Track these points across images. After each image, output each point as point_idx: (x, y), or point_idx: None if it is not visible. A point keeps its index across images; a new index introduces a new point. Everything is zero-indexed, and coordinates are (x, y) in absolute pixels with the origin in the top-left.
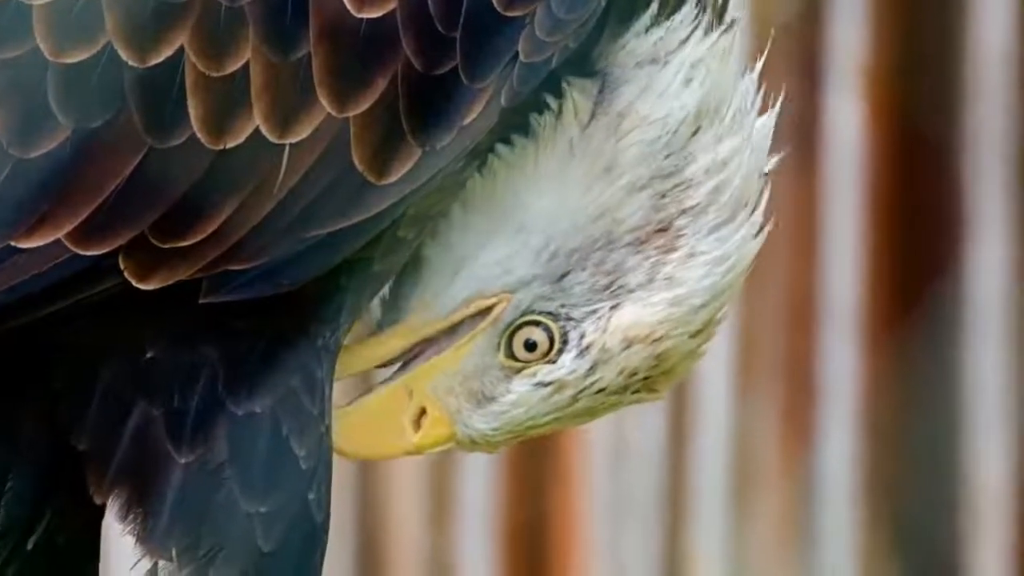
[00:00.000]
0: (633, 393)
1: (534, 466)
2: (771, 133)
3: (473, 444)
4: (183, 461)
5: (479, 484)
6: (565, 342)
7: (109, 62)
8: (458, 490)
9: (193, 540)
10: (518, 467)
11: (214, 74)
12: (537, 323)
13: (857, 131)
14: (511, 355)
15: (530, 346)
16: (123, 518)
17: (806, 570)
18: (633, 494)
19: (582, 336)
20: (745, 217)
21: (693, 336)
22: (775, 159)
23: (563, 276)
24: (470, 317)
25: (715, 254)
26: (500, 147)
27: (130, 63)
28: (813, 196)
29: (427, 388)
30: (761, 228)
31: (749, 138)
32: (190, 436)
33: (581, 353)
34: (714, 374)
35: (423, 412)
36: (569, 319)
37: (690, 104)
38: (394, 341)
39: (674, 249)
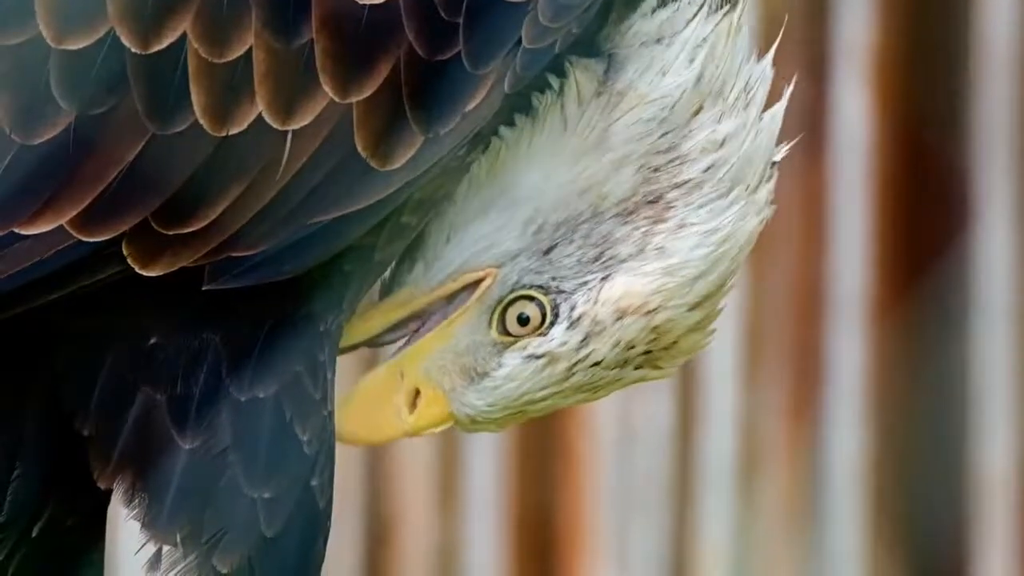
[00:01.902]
0: (636, 369)
1: (541, 452)
2: (779, 121)
3: (473, 423)
4: (187, 446)
5: (486, 470)
6: (556, 315)
7: (111, 49)
8: (465, 476)
9: (197, 525)
10: (525, 453)
11: (216, 61)
12: (530, 298)
13: (864, 119)
14: (504, 331)
15: (523, 320)
16: (127, 503)
17: (812, 556)
18: (640, 480)
19: (572, 308)
20: (741, 194)
21: (692, 309)
22: (784, 149)
23: (550, 249)
24: (459, 291)
25: (707, 225)
26: (503, 128)
27: (132, 50)
28: (820, 183)
29: (420, 368)
30: (763, 210)
31: (754, 122)
32: (194, 421)
33: (572, 325)
34: (721, 360)
35: (418, 393)
36: (560, 292)
37: (690, 82)
38: (386, 313)
39: (663, 220)
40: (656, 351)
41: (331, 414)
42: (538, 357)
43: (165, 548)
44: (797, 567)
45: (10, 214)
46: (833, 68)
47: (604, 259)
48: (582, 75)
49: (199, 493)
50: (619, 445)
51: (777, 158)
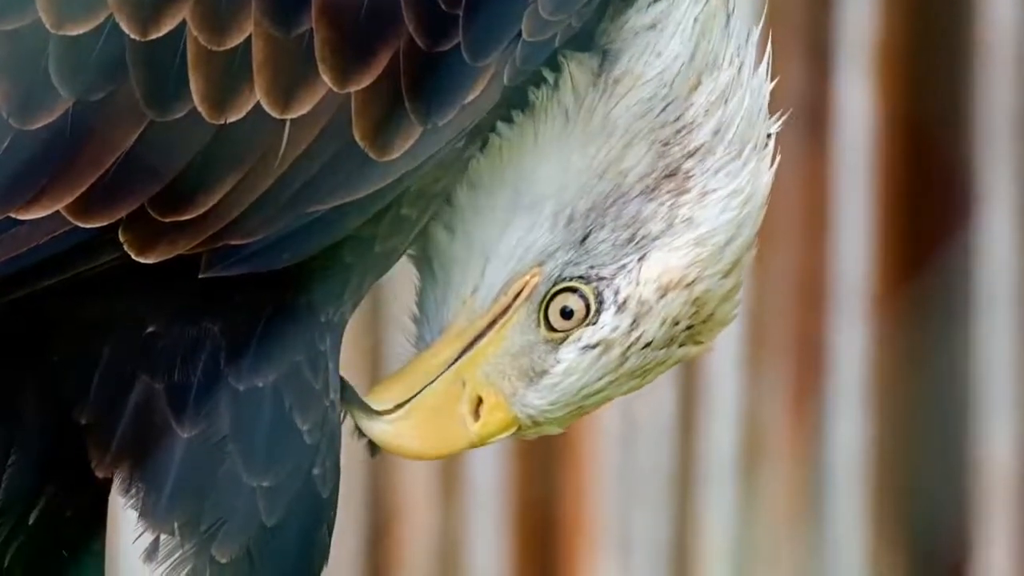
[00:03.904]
0: (680, 346)
1: (543, 445)
2: (766, 77)
3: (536, 426)
4: (185, 435)
5: (488, 460)
6: (601, 302)
7: (110, 35)
8: (467, 466)
9: (195, 514)
10: (527, 445)
11: (215, 48)
12: (571, 289)
13: (866, 110)
14: (551, 327)
15: (567, 314)
16: (126, 492)
17: (814, 548)
18: (642, 473)
19: (616, 292)
20: (752, 153)
21: (725, 276)
22: (779, 120)
23: (585, 238)
24: (512, 301)
25: (728, 189)
26: (500, 125)
27: (131, 36)
28: (822, 175)
29: (479, 375)
30: (772, 164)
31: (748, 80)
32: (192, 410)
33: (620, 309)
34: (723, 353)
35: (480, 401)
36: (600, 278)
37: (685, 57)
38: (447, 349)
39: (686, 191)
40: (696, 325)
41: (333, 404)
42: (593, 346)
43: (162, 537)
44: (799, 557)
45: (7, 199)
46: (836, 59)
47: (637, 239)
48: (577, 69)
49: (198, 482)
50: (622, 436)
51: (771, 125)
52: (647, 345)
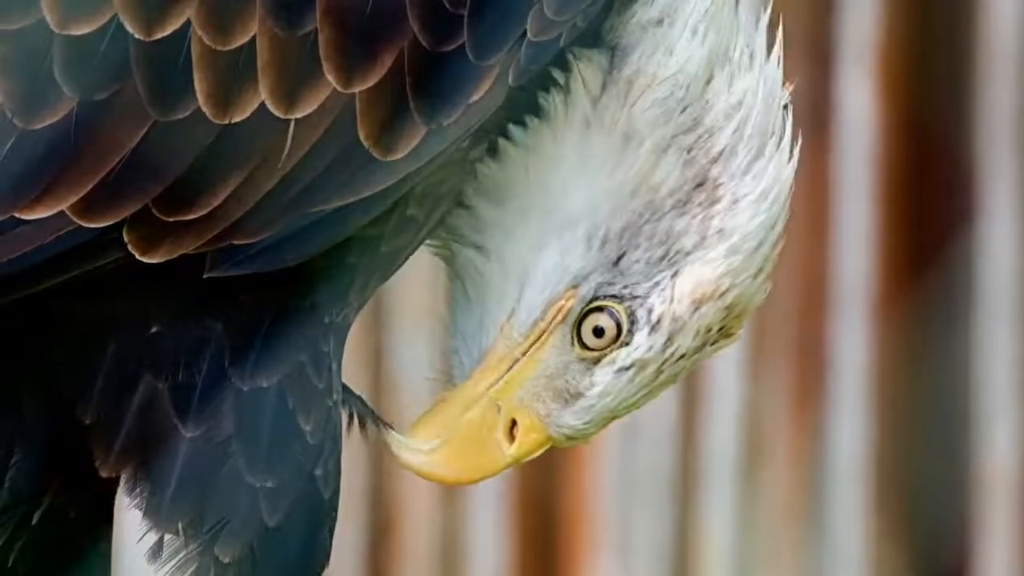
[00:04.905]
0: (712, 345)
1: None
2: (780, 64)
3: (569, 440)
4: (189, 435)
5: None
6: (634, 321)
7: (115, 35)
8: None
9: (198, 514)
10: None
11: (220, 48)
12: (600, 308)
13: (868, 111)
14: (584, 346)
15: (599, 332)
16: (130, 491)
17: (815, 549)
18: (644, 472)
19: (650, 311)
20: (773, 147)
21: (756, 276)
22: (789, 91)
23: (619, 259)
24: (550, 324)
25: (757, 192)
26: (513, 129)
27: (136, 36)
28: (824, 176)
29: (514, 399)
30: (792, 153)
31: (760, 71)
32: (196, 410)
33: (654, 328)
34: (725, 353)
35: (514, 423)
36: (634, 297)
37: (699, 55)
38: (486, 379)
39: (717, 200)
40: (728, 323)
41: (336, 405)
42: (628, 368)
43: (167, 537)
44: (799, 559)
45: (11, 199)
46: (838, 60)
47: (671, 255)
48: (586, 68)
49: (201, 482)
50: (623, 437)
51: (784, 101)
52: (682, 357)
